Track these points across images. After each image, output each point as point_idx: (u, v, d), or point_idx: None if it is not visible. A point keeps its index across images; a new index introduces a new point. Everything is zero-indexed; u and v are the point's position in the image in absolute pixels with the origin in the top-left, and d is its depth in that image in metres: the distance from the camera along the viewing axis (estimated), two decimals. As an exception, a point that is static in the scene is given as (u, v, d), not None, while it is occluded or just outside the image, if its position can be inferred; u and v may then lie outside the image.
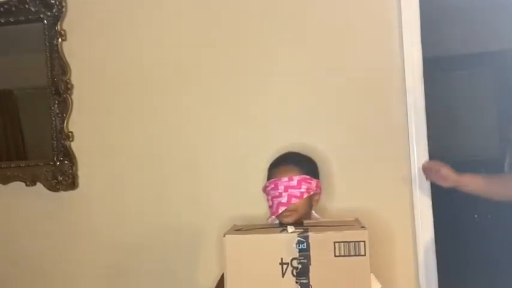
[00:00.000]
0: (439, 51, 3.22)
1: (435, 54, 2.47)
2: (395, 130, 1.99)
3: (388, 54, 1.98)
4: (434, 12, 2.32)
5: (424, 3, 1.98)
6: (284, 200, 1.60)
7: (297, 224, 1.56)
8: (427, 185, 1.97)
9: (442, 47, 3.41)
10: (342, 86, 2.02)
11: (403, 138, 1.98)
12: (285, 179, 1.62)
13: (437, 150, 2.21)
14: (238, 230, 1.52)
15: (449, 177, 1.72)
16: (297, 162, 1.69)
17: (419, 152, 1.96)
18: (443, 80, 3.76)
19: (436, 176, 1.77)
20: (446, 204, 2.52)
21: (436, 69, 2.89)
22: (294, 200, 1.60)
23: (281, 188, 1.61)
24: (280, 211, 1.61)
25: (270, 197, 1.65)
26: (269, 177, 1.70)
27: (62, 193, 2.23)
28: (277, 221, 1.68)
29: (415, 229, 1.96)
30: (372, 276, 1.59)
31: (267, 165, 1.75)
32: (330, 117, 2.03)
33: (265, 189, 1.69)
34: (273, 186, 1.64)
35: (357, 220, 1.56)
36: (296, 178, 1.62)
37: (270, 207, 1.65)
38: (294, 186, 1.61)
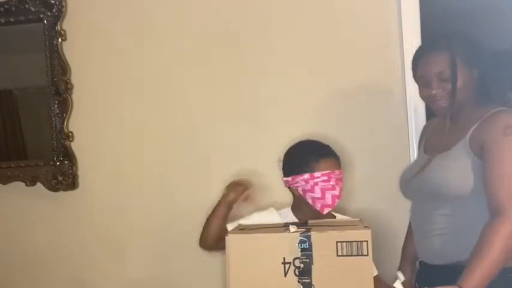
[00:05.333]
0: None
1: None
2: (396, 130, 1.99)
3: (388, 55, 1.99)
4: (435, 12, 2.32)
5: (424, 3, 1.99)
6: (337, 192, 1.63)
7: (301, 223, 1.56)
8: (427, 185, 1.97)
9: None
10: (342, 87, 2.02)
11: (403, 138, 1.98)
12: (337, 172, 1.64)
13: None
14: (242, 229, 1.52)
15: None
16: (337, 155, 1.71)
17: (419, 152, 1.97)
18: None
19: None
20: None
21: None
22: (342, 194, 1.64)
23: (333, 180, 1.62)
24: (335, 204, 1.62)
25: (319, 189, 1.63)
26: (310, 168, 1.64)
27: (62, 193, 2.23)
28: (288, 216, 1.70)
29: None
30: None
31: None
32: (330, 117, 2.03)
33: (307, 181, 1.64)
34: (326, 178, 1.62)
35: (361, 220, 1.56)
36: (342, 172, 1.67)
37: (319, 199, 1.63)
38: (341, 179, 1.65)
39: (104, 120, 2.22)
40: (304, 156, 1.67)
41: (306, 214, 1.68)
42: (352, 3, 2.01)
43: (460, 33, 1.56)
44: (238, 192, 1.76)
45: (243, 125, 2.10)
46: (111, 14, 2.20)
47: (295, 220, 1.69)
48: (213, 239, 1.71)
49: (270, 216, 1.71)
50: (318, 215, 1.66)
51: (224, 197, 1.76)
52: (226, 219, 1.72)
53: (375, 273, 1.63)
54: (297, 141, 1.84)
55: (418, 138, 1.83)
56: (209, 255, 2.08)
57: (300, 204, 1.71)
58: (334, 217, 1.75)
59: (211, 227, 1.72)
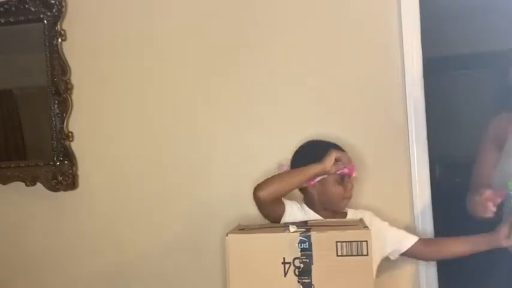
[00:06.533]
0: (439, 51, 3.23)
1: (435, 54, 2.47)
2: (396, 130, 1.99)
3: (388, 54, 1.99)
4: (435, 12, 2.32)
5: (424, 3, 1.99)
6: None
7: (301, 223, 1.56)
8: (426, 185, 1.97)
9: (442, 47, 3.41)
10: (342, 87, 2.02)
11: (403, 138, 1.98)
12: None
13: (437, 150, 2.21)
14: (241, 229, 1.52)
15: None
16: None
17: (419, 152, 1.97)
18: (443, 80, 3.76)
19: None
20: (446, 204, 2.52)
21: (436, 69, 2.89)
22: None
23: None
24: (347, 171, 1.69)
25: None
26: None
27: (62, 193, 2.23)
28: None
29: (415, 229, 1.96)
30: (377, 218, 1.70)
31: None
32: (330, 118, 2.03)
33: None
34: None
35: (361, 220, 1.57)
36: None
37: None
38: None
39: (104, 120, 2.22)
40: (316, 155, 1.68)
41: (319, 210, 1.72)
42: (352, 4, 2.01)
43: None
44: (338, 166, 1.66)
45: (243, 125, 2.10)
46: (111, 14, 2.20)
47: (312, 212, 1.72)
48: (276, 193, 1.61)
49: (295, 206, 1.73)
50: (329, 210, 1.71)
51: (322, 163, 1.63)
52: (305, 182, 1.66)
53: (416, 238, 1.75)
54: (297, 141, 1.85)
55: (487, 131, 1.82)
56: (212, 256, 2.08)
57: (311, 201, 1.74)
58: (346, 212, 1.76)
59: (285, 181, 1.63)
